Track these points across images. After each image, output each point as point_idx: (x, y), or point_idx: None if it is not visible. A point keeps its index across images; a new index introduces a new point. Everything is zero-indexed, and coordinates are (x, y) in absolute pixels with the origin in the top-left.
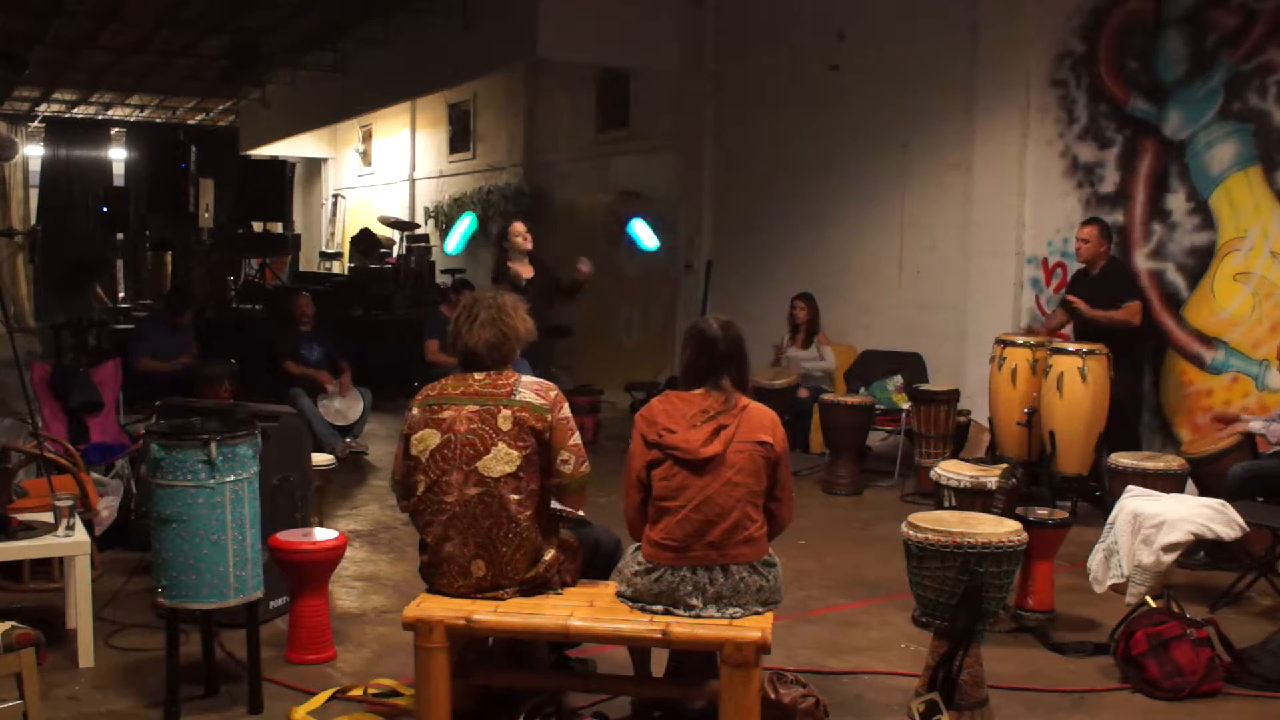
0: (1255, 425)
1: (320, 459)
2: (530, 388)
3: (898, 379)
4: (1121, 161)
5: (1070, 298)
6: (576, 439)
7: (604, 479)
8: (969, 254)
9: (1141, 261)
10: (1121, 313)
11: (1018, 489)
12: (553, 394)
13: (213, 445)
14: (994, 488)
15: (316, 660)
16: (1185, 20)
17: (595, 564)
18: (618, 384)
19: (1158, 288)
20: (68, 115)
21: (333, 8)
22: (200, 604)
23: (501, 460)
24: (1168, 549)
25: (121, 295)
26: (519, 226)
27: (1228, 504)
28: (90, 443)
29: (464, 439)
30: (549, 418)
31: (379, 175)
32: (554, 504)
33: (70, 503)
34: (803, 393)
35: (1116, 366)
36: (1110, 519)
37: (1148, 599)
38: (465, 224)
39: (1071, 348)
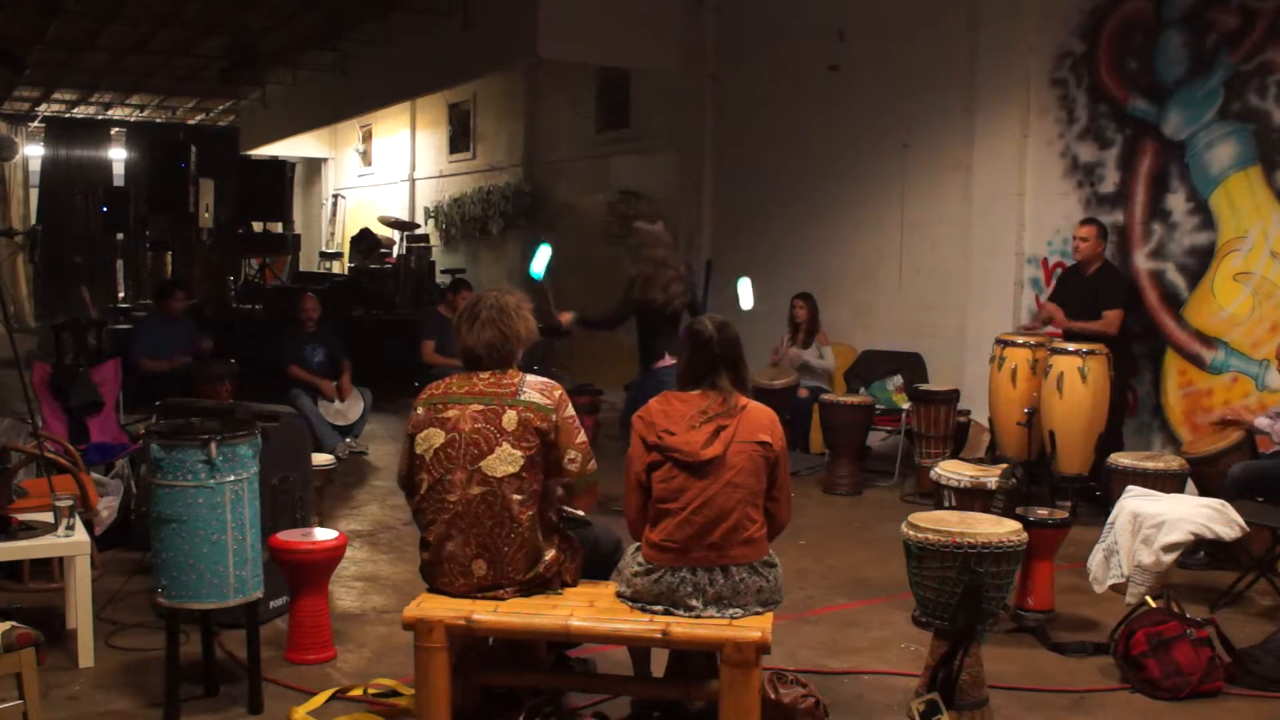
0: (1261, 421)
1: (320, 459)
2: (535, 387)
3: (898, 379)
4: (1121, 161)
5: (1050, 307)
6: (582, 437)
7: (604, 479)
8: (969, 254)
9: (1141, 261)
10: (1098, 324)
11: (1018, 489)
12: (557, 393)
13: (213, 445)
14: (994, 488)
15: (316, 660)
16: (1185, 20)
17: (595, 564)
18: (618, 384)
19: (1158, 288)
20: (68, 115)
21: (333, 8)
22: (200, 604)
23: (505, 460)
24: (1168, 549)
25: (121, 295)
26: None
27: (1228, 504)
28: (90, 443)
29: (468, 438)
30: (553, 417)
31: (379, 175)
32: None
33: (70, 503)
34: (803, 393)
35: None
36: (1110, 519)
37: (1148, 599)
38: (545, 253)
39: (1071, 348)
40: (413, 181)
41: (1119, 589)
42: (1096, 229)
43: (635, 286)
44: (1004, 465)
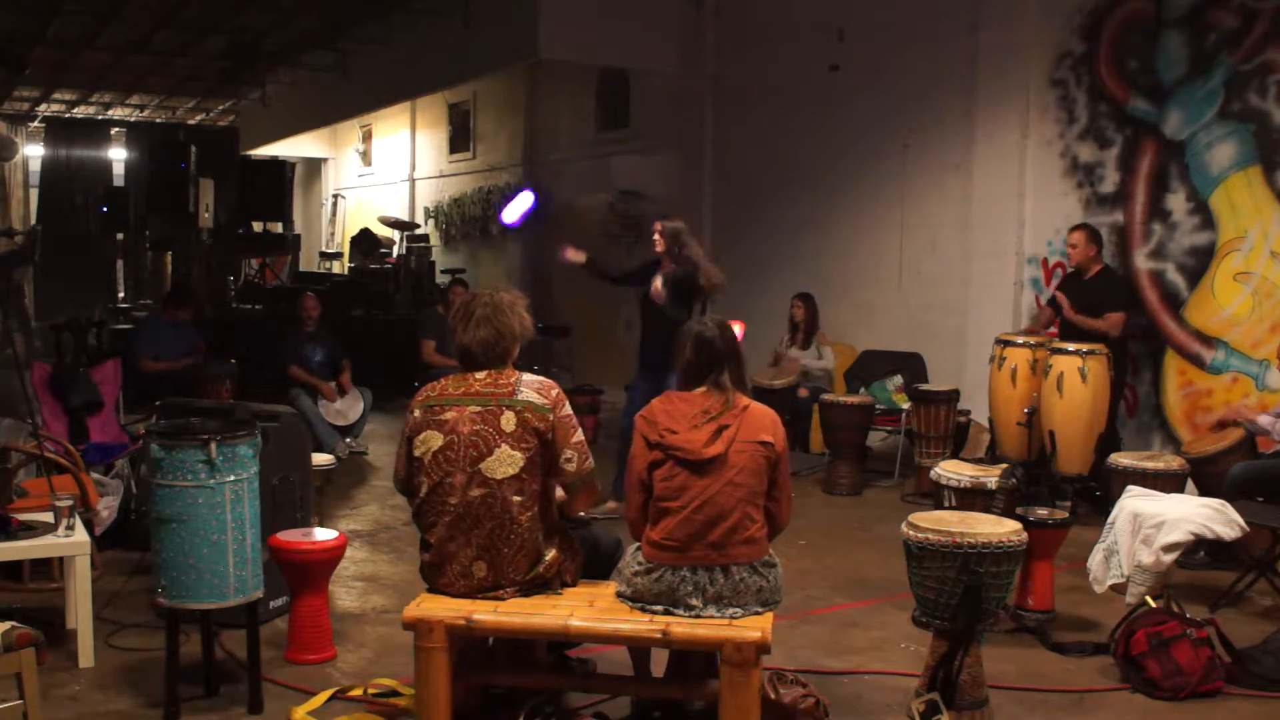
0: (1264, 420)
1: (320, 459)
2: (532, 387)
3: (898, 379)
4: (1121, 161)
5: (1057, 293)
6: (579, 436)
7: (603, 480)
8: (969, 254)
9: (1141, 261)
10: (1101, 323)
11: (1018, 489)
12: (554, 392)
13: (213, 445)
14: (994, 488)
15: (316, 660)
16: (1185, 20)
17: (595, 564)
18: (618, 384)
19: (1158, 288)
20: (68, 115)
21: (333, 8)
22: (200, 604)
23: (504, 462)
24: (1168, 549)
25: (121, 295)
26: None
27: (1228, 504)
28: (90, 443)
29: (467, 440)
30: (551, 417)
31: (379, 175)
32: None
33: (70, 503)
34: (803, 393)
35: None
36: (1110, 519)
37: (1148, 599)
38: (526, 200)
39: (1071, 348)
40: (413, 181)
41: (1119, 589)
42: (1085, 233)
43: (701, 276)
44: (1004, 465)
